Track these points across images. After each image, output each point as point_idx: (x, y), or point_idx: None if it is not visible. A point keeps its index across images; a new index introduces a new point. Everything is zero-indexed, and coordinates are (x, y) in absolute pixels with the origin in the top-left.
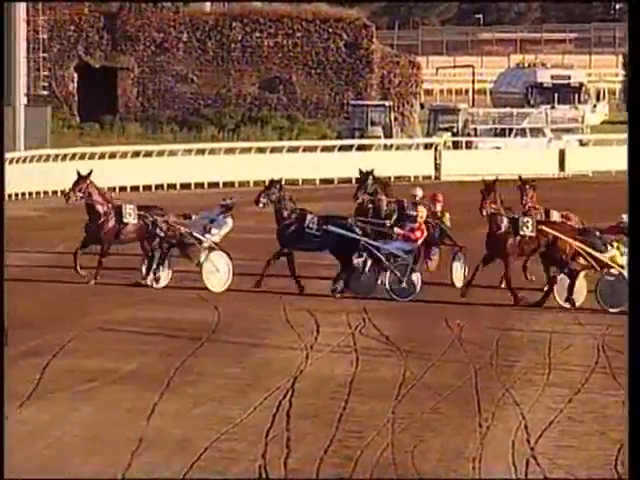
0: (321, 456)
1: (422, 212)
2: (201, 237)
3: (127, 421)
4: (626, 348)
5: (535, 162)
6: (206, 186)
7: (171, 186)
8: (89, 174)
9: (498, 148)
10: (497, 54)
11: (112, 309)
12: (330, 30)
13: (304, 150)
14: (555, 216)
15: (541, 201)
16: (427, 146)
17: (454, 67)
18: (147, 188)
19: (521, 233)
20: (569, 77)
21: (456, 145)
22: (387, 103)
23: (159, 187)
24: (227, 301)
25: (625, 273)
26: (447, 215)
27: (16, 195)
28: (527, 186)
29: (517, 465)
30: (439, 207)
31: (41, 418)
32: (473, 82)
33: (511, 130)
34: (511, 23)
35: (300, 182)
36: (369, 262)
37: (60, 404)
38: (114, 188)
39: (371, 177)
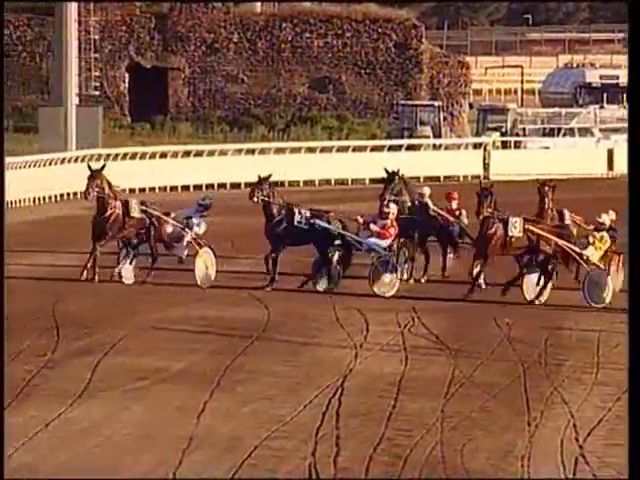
0: (370, 454)
1: (393, 209)
2: (188, 232)
3: (178, 419)
4: (626, 348)
5: (583, 162)
6: None
7: (221, 185)
8: (102, 168)
9: (547, 148)
10: (546, 54)
11: (163, 308)
12: (380, 30)
13: (353, 150)
14: (567, 216)
15: (588, 201)
16: (476, 146)
17: (503, 67)
18: (198, 187)
19: (509, 233)
20: (618, 77)
21: (505, 145)
22: (436, 103)
23: (209, 186)
24: (277, 300)
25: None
26: (464, 213)
27: (67, 195)
28: (546, 187)
29: (566, 464)
30: (455, 205)
31: (92, 416)
32: (522, 82)
33: (560, 130)
34: (560, 23)
35: (350, 182)
36: (337, 256)
37: (111, 402)
38: (165, 187)
39: (397, 177)
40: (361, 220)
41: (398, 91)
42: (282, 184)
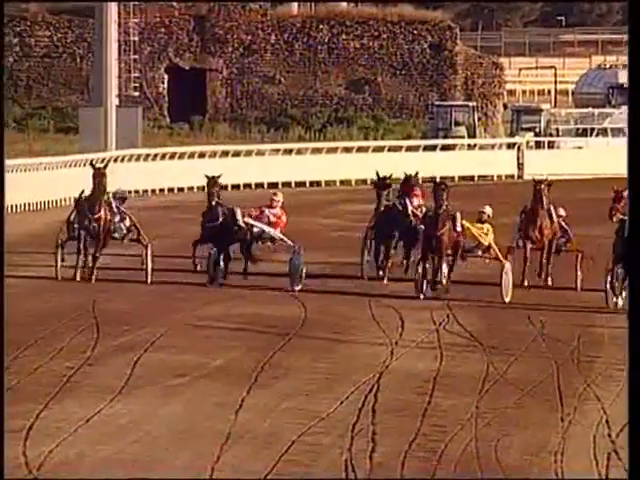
0: (406, 450)
1: (279, 197)
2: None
3: (216, 415)
4: (626, 348)
5: (616, 161)
6: (293, 185)
7: (259, 185)
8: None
9: (580, 148)
10: (579, 55)
11: (201, 306)
12: (415, 32)
13: (389, 150)
14: (562, 212)
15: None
16: (510, 146)
17: (536, 68)
18: (235, 187)
19: (457, 229)
20: None
21: (538, 145)
22: (471, 104)
23: (247, 186)
24: (314, 299)
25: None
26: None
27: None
28: (542, 185)
29: (598, 459)
30: (416, 202)
31: (132, 412)
32: (555, 83)
33: (592, 130)
34: (593, 25)
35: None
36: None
37: (150, 398)
38: (202, 187)
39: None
40: (255, 212)
41: (433, 92)
42: (318, 184)
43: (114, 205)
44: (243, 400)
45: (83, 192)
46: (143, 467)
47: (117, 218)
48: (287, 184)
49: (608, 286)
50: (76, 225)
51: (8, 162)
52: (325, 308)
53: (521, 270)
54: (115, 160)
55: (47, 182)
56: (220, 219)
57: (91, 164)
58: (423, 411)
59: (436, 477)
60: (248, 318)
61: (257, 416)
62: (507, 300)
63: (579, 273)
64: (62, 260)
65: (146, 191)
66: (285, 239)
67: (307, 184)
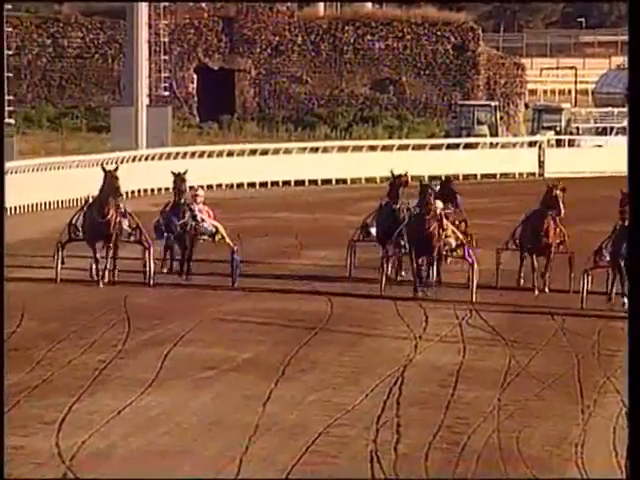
0: (430, 441)
1: (201, 192)
2: None
3: (244, 407)
4: (626, 348)
5: None
6: (319, 183)
7: (286, 183)
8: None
9: (599, 146)
10: (599, 56)
11: (228, 301)
12: (438, 33)
13: (413, 148)
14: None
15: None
16: (531, 144)
17: (557, 68)
18: (263, 185)
19: (443, 229)
20: None
21: (559, 143)
22: (493, 103)
23: (274, 184)
24: (340, 294)
25: None
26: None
27: (139, 192)
28: (558, 191)
29: (618, 450)
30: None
31: (162, 404)
32: (575, 83)
33: (612, 129)
34: (612, 26)
35: (409, 178)
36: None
37: (180, 391)
38: (232, 185)
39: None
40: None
41: (456, 91)
42: (345, 182)
43: (121, 207)
44: (271, 393)
45: (88, 197)
46: (173, 458)
47: (124, 219)
48: (313, 182)
49: (585, 287)
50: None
51: (42, 160)
52: (350, 303)
53: (516, 272)
54: (146, 159)
55: (79, 180)
56: (186, 217)
57: (102, 167)
58: (446, 404)
59: (458, 470)
60: (275, 313)
61: (284, 408)
62: (474, 300)
63: (572, 274)
64: (62, 262)
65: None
66: (226, 237)
67: (333, 182)
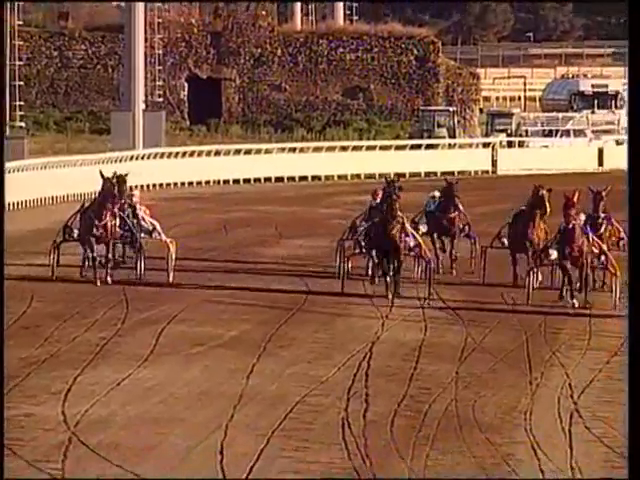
0: (395, 409)
1: (136, 192)
2: None
3: (230, 379)
4: (626, 348)
5: (577, 159)
6: (297, 179)
7: (267, 179)
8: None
9: (546, 147)
10: (545, 66)
11: (215, 287)
12: (403, 46)
13: (380, 148)
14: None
15: (582, 193)
16: (485, 145)
17: (508, 77)
18: (247, 181)
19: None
20: (607, 86)
21: (510, 144)
22: (451, 108)
23: (257, 180)
24: (316, 278)
25: None
26: None
27: (136, 187)
28: (544, 191)
29: (562, 417)
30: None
31: (157, 377)
32: (524, 90)
33: (557, 131)
34: (557, 40)
35: (377, 175)
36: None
37: (173, 365)
38: (218, 181)
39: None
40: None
41: (418, 98)
42: (319, 178)
43: (116, 210)
44: (253, 366)
45: (85, 203)
46: (166, 424)
47: (118, 222)
48: (291, 179)
49: (531, 284)
50: (76, 231)
51: (50, 159)
52: (325, 287)
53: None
54: (142, 158)
55: (83, 176)
56: (131, 217)
57: (100, 174)
58: (410, 376)
59: (420, 434)
60: (257, 295)
61: (265, 380)
62: (431, 293)
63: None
64: (57, 261)
65: (168, 184)
66: (162, 234)
67: (309, 178)
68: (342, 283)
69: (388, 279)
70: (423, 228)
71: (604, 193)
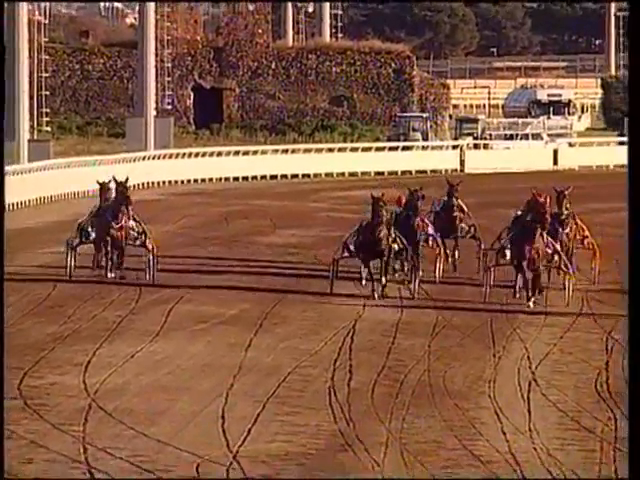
0: (375, 379)
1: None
2: None
3: (230, 353)
4: (626, 348)
5: (535, 159)
6: (289, 177)
7: (263, 177)
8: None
9: (508, 148)
10: (507, 78)
11: (219, 272)
12: (382, 60)
13: (362, 150)
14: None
15: (540, 189)
16: (454, 147)
17: (474, 88)
18: (245, 179)
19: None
20: (561, 95)
21: (476, 146)
22: (424, 115)
23: (254, 178)
24: (306, 265)
25: None
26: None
27: (147, 184)
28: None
29: (522, 385)
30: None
31: (166, 350)
32: (489, 99)
33: (517, 135)
34: (518, 54)
35: (359, 174)
36: None
37: (180, 340)
38: (220, 179)
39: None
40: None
41: (395, 105)
42: (309, 176)
43: (131, 213)
44: (251, 341)
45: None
46: (174, 392)
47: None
48: (284, 176)
49: (488, 282)
50: (93, 232)
51: (73, 159)
52: (313, 272)
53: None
54: (153, 158)
55: (101, 174)
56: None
57: (114, 179)
58: (388, 349)
59: (397, 400)
60: (254, 279)
61: (262, 353)
62: (416, 293)
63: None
64: (74, 261)
65: (176, 181)
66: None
67: (300, 176)
68: (331, 284)
69: (374, 281)
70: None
71: (567, 192)
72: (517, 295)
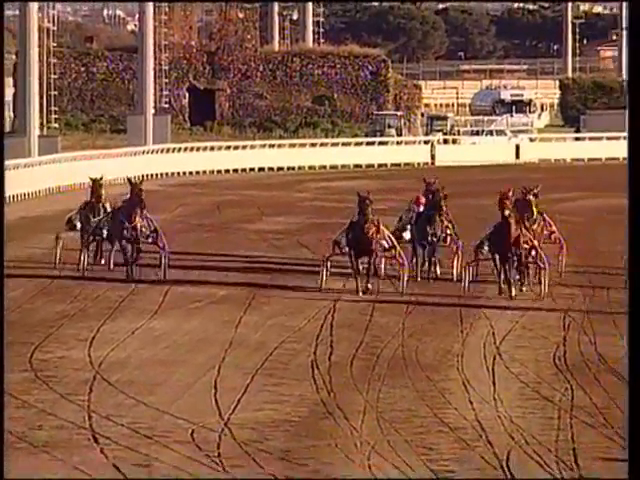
0: (354, 353)
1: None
2: None
3: (222, 329)
4: (626, 348)
5: (499, 153)
6: (275, 169)
7: (251, 169)
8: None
9: (474, 143)
10: (474, 79)
11: (211, 256)
12: (360, 63)
13: (342, 145)
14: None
15: (503, 180)
16: (426, 142)
17: (444, 88)
18: (235, 171)
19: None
20: (522, 95)
21: (445, 141)
22: (399, 113)
23: (243, 170)
24: (294, 247)
25: None
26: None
27: (147, 176)
28: (530, 196)
29: (487, 358)
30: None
31: (164, 327)
32: (457, 99)
33: (483, 131)
34: (483, 58)
35: (339, 166)
36: None
37: (177, 317)
38: (213, 171)
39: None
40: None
41: (372, 105)
42: (293, 168)
43: (145, 213)
44: (241, 319)
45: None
46: (171, 365)
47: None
48: (271, 169)
49: (466, 278)
50: (105, 231)
51: (79, 153)
52: (300, 255)
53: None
54: (152, 152)
55: (105, 167)
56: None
57: (128, 180)
58: (366, 326)
59: (374, 372)
60: (244, 261)
61: (250, 330)
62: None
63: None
64: (88, 257)
65: (173, 173)
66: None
67: (285, 169)
68: (321, 281)
69: (359, 277)
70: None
71: (536, 191)
72: (501, 292)
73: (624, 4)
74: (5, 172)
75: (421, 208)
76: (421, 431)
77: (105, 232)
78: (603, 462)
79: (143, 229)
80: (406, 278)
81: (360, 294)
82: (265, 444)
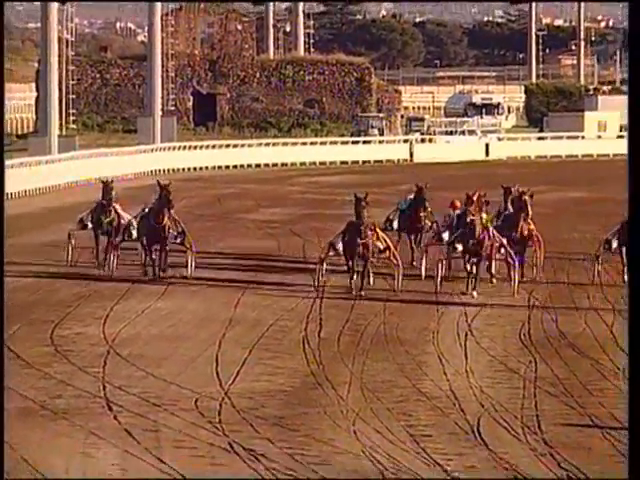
0: (340, 330)
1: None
2: None
3: (222, 309)
4: (626, 348)
5: (470, 151)
6: (270, 165)
7: (249, 166)
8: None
9: (448, 142)
10: (448, 85)
11: (214, 242)
12: (346, 70)
13: (330, 143)
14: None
15: (475, 175)
16: (405, 141)
17: (421, 93)
18: (234, 167)
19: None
20: (491, 99)
21: (423, 140)
22: (381, 115)
23: (241, 166)
24: (287, 236)
25: None
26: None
27: (156, 171)
28: (527, 197)
29: (460, 334)
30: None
31: (170, 307)
32: (433, 102)
33: (456, 131)
34: (456, 66)
35: (328, 163)
36: None
37: (181, 299)
38: (214, 167)
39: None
40: None
41: (357, 107)
42: (286, 165)
43: (172, 215)
44: (239, 300)
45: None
46: (177, 340)
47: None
48: (267, 165)
49: (439, 274)
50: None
51: (95, 151)
52: (294, 244)
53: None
54: (160, 150)
55: (118, 163)
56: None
57: (158, 183)
58: (351, 306)
59: (359, 347)
60: (242, 248)
61: (248, 309)
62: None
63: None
64: (117, 257)
65: (178, 169)
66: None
67: (279, 165)
68: (317, 281)
69: (354, 277)
70: (395, 225)
71: (514, 190)
72: (469, 289)
73: (581, 17)
74: (25, 169)
75: (457, 212)
76: (401, 400)
77: (134, 233)
78: (563, 427)
79: (171, 230)
80: (401, 278)
81: (354, 292)
82: (261, 411)
